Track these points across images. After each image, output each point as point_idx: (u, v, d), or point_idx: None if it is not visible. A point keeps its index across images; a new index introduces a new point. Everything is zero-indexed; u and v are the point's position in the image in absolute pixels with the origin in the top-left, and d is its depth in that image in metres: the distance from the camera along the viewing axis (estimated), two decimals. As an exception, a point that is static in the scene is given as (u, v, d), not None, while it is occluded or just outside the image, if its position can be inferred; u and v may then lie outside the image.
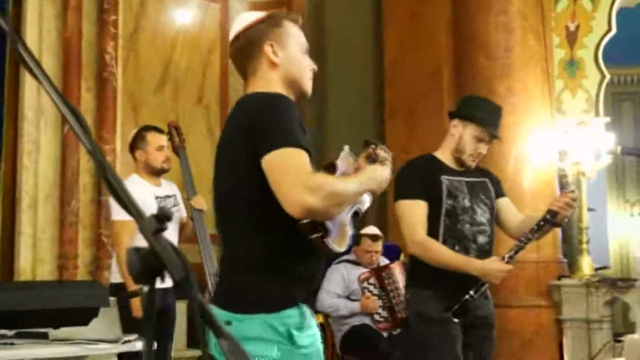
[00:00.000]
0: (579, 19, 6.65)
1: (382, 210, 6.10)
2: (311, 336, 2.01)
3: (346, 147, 2.29)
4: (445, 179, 3.30)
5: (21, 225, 5.23)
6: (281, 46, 2.13)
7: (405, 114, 6.66)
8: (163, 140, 4.31)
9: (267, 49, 2.11)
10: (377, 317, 5.03)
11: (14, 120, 5.40)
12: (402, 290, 4.94)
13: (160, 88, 6.31)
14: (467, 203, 3.29)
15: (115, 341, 3.22)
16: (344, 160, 2.23)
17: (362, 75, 7.54)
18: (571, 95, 6.61)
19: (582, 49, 6.64)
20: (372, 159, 2.22)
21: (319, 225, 1.90)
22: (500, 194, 3.46)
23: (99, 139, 5.34)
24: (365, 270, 5.15)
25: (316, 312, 5.51)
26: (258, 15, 2.19)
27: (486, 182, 3.43)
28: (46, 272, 5.18)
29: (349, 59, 7.56)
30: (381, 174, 2.10)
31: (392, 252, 5.55)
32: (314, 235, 1.91)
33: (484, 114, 3.34)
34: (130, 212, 1.07)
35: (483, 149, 3.35)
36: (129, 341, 3.25)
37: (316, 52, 8.65)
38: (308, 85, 2.19)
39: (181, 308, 4.60)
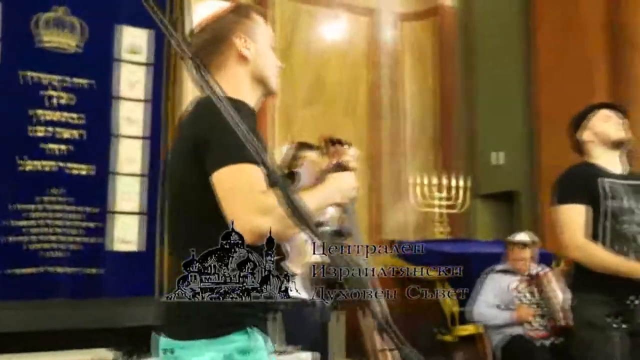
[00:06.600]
0: None
1: (536, 218, 5.98)
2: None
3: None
4: (603, 180, 3.27)
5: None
6: (252, 39, 1.97)
7: (559, 120, 6.49)
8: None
9: (237, 41, 1.95)
10: (535, 324, 4.95)
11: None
12: (559, 298, 4.85)
13: (312, 101, 6.48)
14: (626, 204, 3.24)
15: (281, 352, 3.33)
16: (310, 166, 2.00)
17: (512, 81, 7.42)
18: None
19: None
20: (339, 166, 2.04)
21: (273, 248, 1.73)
22: None
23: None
24: (520, 278, 5.09)
25: (471, 322, 5.50)
26: (225, 5, 2.02)
27: None
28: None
29: (498, 66, 7.47)
30: (344, 184, 1.92)
31: (545, 259, 5.45)
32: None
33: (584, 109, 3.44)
34: (311, 230, 1.14)
35: (618, 119, 3.36)
36: (292, 352, 3.39)
37: (465, 59, 8.57)
38: (275, 83, 2.03)
39: (340, 319, 4.68)
